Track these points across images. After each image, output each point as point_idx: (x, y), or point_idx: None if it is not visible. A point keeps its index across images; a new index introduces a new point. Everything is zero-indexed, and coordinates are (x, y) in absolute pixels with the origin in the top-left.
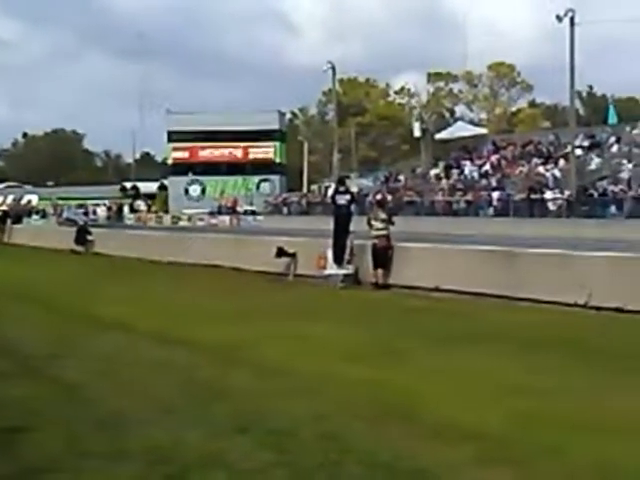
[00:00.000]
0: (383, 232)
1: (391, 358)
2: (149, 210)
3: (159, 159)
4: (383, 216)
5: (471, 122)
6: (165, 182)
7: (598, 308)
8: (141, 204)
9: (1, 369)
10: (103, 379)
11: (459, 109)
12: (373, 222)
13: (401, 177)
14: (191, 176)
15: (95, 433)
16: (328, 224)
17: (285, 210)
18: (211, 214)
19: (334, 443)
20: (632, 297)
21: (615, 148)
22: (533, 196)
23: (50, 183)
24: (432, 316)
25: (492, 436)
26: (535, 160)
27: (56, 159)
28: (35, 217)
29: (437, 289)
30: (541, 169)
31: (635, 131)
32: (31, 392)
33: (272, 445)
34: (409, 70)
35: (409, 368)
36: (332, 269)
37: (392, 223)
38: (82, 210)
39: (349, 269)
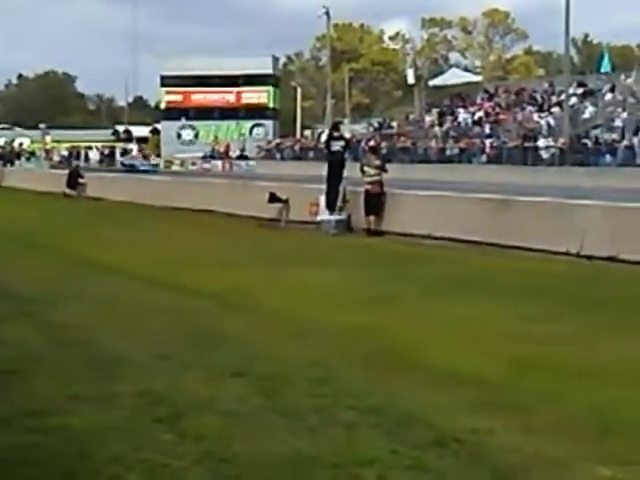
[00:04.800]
0: (376, 178)
1: (383, 304)
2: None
3: (152, 103)
4: (376, 162)
5: (465, 69)
6: (158, 126)
7: (590, 257)
8: (133, 148)
9: None
10: (97, 322)
11: (453, 56)
12: (366, 168)
13: (394, 123)
14: (184, 121)
15: (88, 376)
16: (321, 170)
17: (278, 155)
18: (204, 159)
19: (327, 388)
20: (625, 246)
21: (609, 96)
22: (526, 144)
23: (42, 126)
24: (425, 263)
25: (486, 382)
26: (529, 108)
27: (48, 101)
28: (24, 160)
29: (430, 236)
30: (535, 117)
31: (629, 79)
32: (25, 334)
33: (265, 390)
34: (402, 16)
35: (402, 314)
36: (324, 215)
37: (385, 170)
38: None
39: (341, 215)
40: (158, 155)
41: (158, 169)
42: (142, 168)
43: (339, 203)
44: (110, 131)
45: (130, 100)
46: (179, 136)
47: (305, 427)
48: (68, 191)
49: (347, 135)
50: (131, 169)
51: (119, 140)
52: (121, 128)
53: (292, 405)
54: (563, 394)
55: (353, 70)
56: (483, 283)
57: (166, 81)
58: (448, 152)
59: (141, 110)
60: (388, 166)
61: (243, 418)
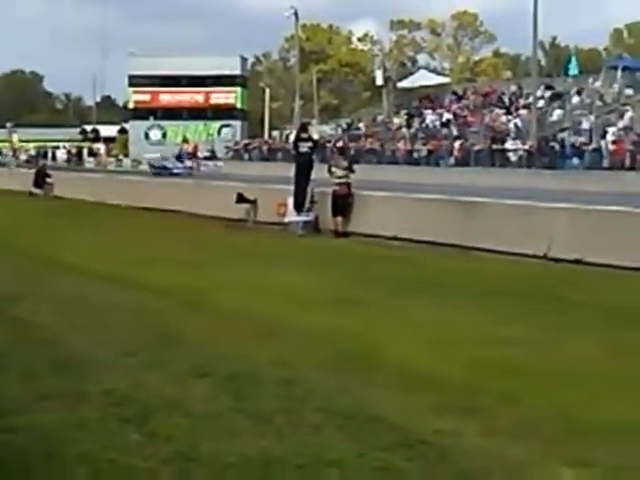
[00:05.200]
0: (344, 180)
1: (350, 306)
2: (109, 154)
3: (120, 103)
4: (344, 164)
5: (434, 71)
6: (126, 126)
7: (557, 259)
8: (101, 147)
9: None
10: (64, 321)
11: (422, 58)
12: (334, 169)
13: (362, 125)
14: (152, 121)
15: (54, 375)
16: (289, 171)
17: (246, 156)
18: None
19: (293, 389)
20: (591, 249)
21: (576, 99)
22: (494, 146)
23: (9, 124)
24: (391, 265)
25: (451, 384)
26: (497, 110)
27: (16, 100)
28: None
29: (397, 238)
30: (503, 119)
31: (597, 83)
32: None
33: (231, 390)
34: (370, 17)
35: (368, 316)
36: (292, 216)
37: (353, 171)
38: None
39: (309, 216)
40: (126, 155)
41: (193, 172)
42: (176, 171)
43: (307, 204)
44: (77, 130)
45: (98, 99)
46: (147, 136)
47: (272, 428)
48: (35, 190)
49: (315, 136)
50: (162, 172)
51: (87, 139)
52: (89, 127)
53: (259, 406)
54: (527, 396)
55: (321, 71)
56: (449, 285)
57: (134, 81)
58: (416, 154)
59: (109, 110)
60: (356, 167)
61: (210, 419)
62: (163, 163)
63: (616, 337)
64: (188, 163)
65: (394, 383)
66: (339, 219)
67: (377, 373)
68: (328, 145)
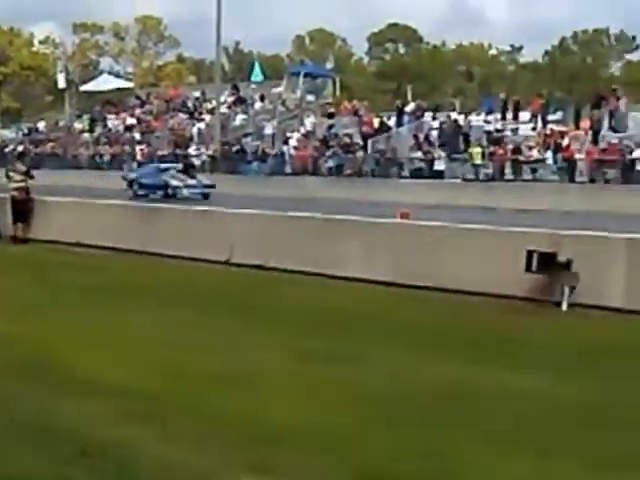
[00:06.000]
0: (22, 185)
1: (28, 313)
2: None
3: None
4: (23, 169)
5: (117, 75)
6: None
7: (240, 265)
8: None
9: None
10: None
11: (106, 61)
12: (12, 174)
13: (41, 126)
14: None
15: None
16: None
17: None
18: None
19: None
20: (273, 254)
21: (259, 105)
22: (178, 151)
23: None
24: (71, 271)
25: (133, 392)
26: (181, 115)
27: None
28: None
29: (78, 244)
30: (186, 124)
31: (280, 88)
32: None
33: None
34: (53, 20)
35: (47, 323)
36: None
37: (31, 177)
38: None
39: None
40: None
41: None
42: (186, 193)
43: None
44: None
45: None
46: None
47: None
48: None
49: None
50: (154, 194)
51: None
52: None
53: None
54: (209, 401)
55: (2, 74)
56: (129, 291)
57: None
58: (99, 159)
59: None
60: (37, 173)
61: None
62: (162, 178)
63: (300, 343)
64: (205, 180)
65: (75, 392)
66: (19, 225)
67: (57, 382)
68: (7, 150)
